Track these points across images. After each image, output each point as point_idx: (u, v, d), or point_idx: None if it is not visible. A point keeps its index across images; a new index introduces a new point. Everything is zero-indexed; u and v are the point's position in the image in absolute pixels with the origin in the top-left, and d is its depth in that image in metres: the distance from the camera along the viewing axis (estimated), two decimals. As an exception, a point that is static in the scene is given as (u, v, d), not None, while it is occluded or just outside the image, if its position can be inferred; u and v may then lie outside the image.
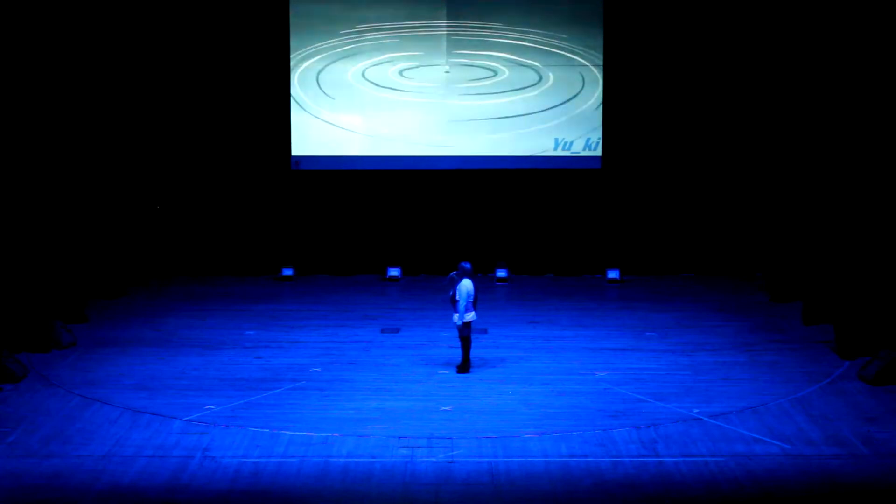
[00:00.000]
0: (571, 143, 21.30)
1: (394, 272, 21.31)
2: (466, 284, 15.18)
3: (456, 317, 15.21)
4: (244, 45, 21.05)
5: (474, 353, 16.04)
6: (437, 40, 21.12)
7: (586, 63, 21.10)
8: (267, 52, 21.14)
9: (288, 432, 12.98)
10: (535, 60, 21.15)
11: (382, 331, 17.76)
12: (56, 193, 18.66)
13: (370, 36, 21.16)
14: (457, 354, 15.74)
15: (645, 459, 12.23)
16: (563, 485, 11.59)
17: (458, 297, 15.11)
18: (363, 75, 21.23)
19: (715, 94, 21.03)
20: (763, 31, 20.53)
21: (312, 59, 21.22)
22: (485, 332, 17.58)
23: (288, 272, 21.46)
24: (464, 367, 15.38)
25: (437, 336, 17.22)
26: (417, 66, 21.16)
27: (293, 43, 21.15)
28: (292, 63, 21.19)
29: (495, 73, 21.20)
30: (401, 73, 21.21)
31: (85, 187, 19.78)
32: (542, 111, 21.27)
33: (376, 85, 21.23)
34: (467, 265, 15.35)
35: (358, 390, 14.66)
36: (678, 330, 17.71)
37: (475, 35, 21.12)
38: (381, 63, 21.20)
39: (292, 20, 21.09)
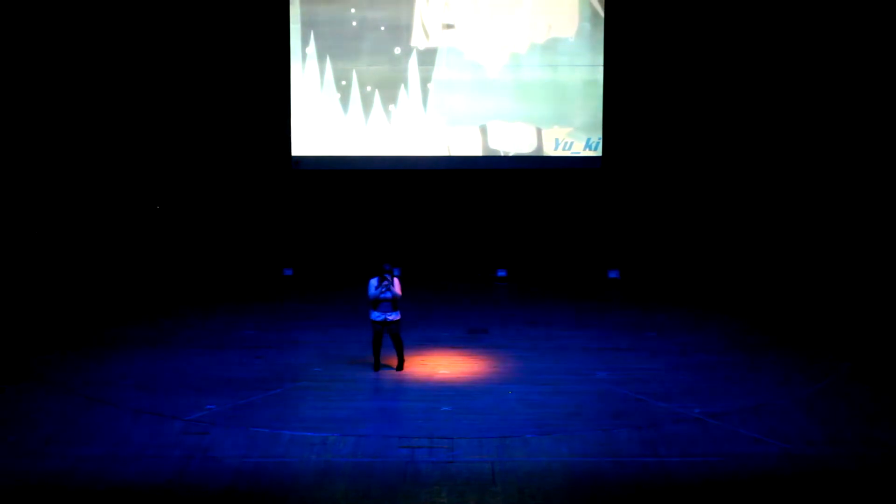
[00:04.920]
0: (571, 143, 21.31)
1: (395, 272, 21.29)
2: (397, 283, 15.15)
3: (393, 315, 15.10)
4: (244, 45, 21.07)
5: (475, 351, 16.04)
6: (438, 39, 21.12)
7: (587, 63, 21.10)
8: (267, 51, 21.15)
9: (288, 432, 12.98)
10: (535, 60, 21.15)
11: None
12: (56, 194, 18.67)
13: (371, 35, 21.17)
14: (455, 355, 15.73)
15: (645, 459, 12.22)
16: (564, 485, 11.58)
17: (396, 295, 15.02)
18: (363, 74, 21.22)
19: (715, 94, 21.05)
20: (764, 31, 20.56)
21: (313, 59, 21.22)
22: (485, 331, 17.61)
23: (288, 272, 21.48)
24: (401, 364, 15.42)
25: (437, 336, 17.23)
26: (417, 66, 21.17)
27: (293, 42, 21.17)
28: (292, 62, 21.20)
29: (496, 72, 21.20)
30: (400, 72, 21.21)
31: (84, 188, 19.80)
32: (543, 111, 21.27)
33: (377, 84, 21.24)
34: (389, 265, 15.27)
35: (358, 390, 14.65)
36: (678, 330, 17.71)
37: (476, 35, 21.12)
38: (382, 63, 21.21)
39: (292, 19, 21.11)
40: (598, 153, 21.32)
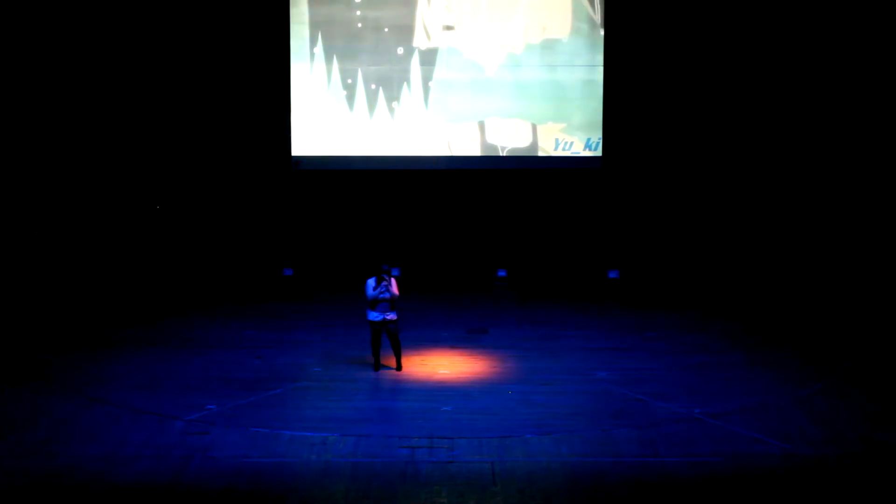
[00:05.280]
0: (571, 143, 21.30)
1: (394, 272, 21.30)
2: (394, 284, 15.10)
3: (391, 315, 15.05)
4: (244, 45, 21.07)
5: (475, 351, 16.04)
6: (439, 40, 21.12)
7: (584, 63, 21.10)
8: (267, 51, 21.15)
9: (288, 432, 12.98)
10: (533, 61, 21.15)
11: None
12: (57, 194, 18.68)
13: (375, 36, 21.18)
14: (455, 355, 15.71)
15: (645, 459, 12.22)
16: (564, 485, 11.58)
17: (395, 295, 14.97)
18: (368, 74, 21.23)
19: (716, 94, 21.05)
20: (764, 29, 20.57)
21: (320, 58, 21.22)
22: (485, 331, 17.60)
23: (288, 272, 21.48)
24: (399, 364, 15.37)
25: (437, 336, 17.24)
26: (419, 66, 21.17)
27: (301, 42, 21.17)
28: (301, 61, 21.20)
29: (496, 73, 21.20)
30: (400, 72, 21.22)
31: (85, 188, 19.81)
32: (541, 110, 21.27)
33: (376, 84, 21.24)
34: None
35: (358, 390, 14.65)
36: (678, 330, 17.71)
37: (476, 35, 21.12)
38: (385, 62, 21.21)
39: (301, 19, 21.12)
40: (598, 153, 21.32)
